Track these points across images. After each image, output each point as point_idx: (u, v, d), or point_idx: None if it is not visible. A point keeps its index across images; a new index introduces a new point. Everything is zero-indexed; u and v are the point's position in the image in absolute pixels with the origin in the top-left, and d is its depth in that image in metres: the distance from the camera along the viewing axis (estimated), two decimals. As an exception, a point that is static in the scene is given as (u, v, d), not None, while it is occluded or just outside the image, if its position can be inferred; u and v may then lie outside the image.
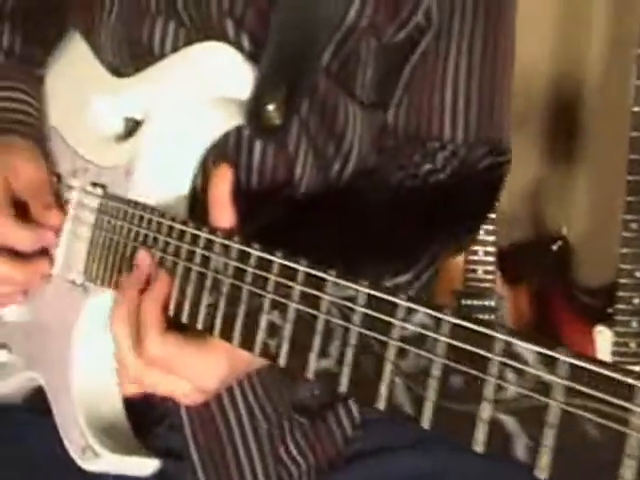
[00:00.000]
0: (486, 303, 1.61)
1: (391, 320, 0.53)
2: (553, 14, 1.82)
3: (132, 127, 0.89)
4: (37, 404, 0.91)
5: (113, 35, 0.88)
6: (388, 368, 0.52)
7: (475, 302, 1.61)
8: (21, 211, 0.88)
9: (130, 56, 0.87)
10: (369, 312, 0.54)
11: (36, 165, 0.90)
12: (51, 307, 0.88)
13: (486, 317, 1.60)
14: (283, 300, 0.60)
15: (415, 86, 0.85)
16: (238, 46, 0.77)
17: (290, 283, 0.60)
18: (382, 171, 0.88)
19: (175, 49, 0.83)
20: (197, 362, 0.67)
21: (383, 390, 0.52)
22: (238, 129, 0.82)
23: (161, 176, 0.81)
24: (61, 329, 0.85)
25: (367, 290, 0.55)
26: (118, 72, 0.90)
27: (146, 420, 0.89)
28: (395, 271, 0.80)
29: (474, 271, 1.60)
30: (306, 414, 0.87)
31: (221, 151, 0.83)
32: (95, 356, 0.83)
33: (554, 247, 1.63)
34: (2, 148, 0.89)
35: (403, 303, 0.53)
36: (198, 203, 0.83)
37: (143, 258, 0.73)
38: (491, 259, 1.58)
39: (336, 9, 0.76)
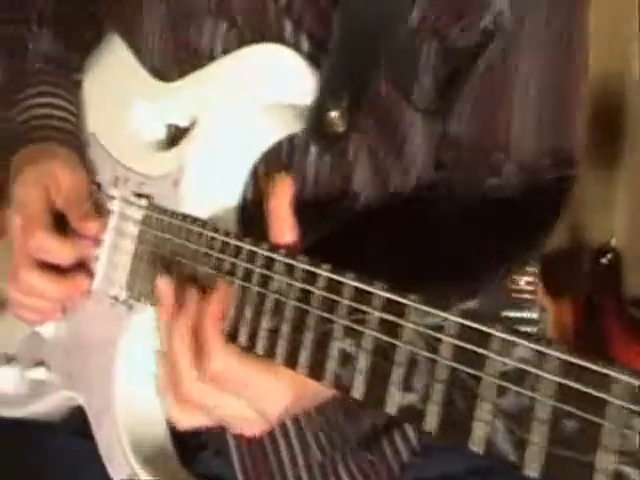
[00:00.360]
0: (527, 315, 1.55)
1: (487, 353, 0.47)
2: (597, 19, 1.76)
3: (175, 134, 0.84)
4: (76, 425, 0.86)
5: (158, 37, 0.83)
6: (485, 407, 0.47)
7: (516, 314, 1.55)
8: (60, 221, 0.83)
9: (176, 59, 0.82)
10: (460, 343, 0.49)
11: (76, 174, 0.85)
12: (92, 324, 0.84)
13: (527, 329, 1.54)
14: (357, 327, 0.55)
15: (481, 95, 0.79)
16: (296, 48, 0.72)
17: (365, 308, 0.55)
18: (444, 185, 0.83)
19: (226, 51, 0.78)
20: (262, 382, 0.62)
21: (479, 432, 0.47)
22: (291, 137, 0.77)
23: (210, 187, 0.77)
24: (103, 347, 0.81)
25: (457, 319, 0.50)
26: (162, 76, 0.85)
27: (190, 444, 0.84)
28: (463, 294, 0.75)
29: (515, 281, 1.54)
30: (361, 441, 0.82)
31: (273, 160, 0.78)
32: (140, 376, 0.78)
33: (605, 260, 1.57)
34: (41, 156, 0.85)
35: (499, 334, 0.47)
36: (248, 215, 0.78)
37: (162, 281, 0.68)
38: (533, 269, 1.53)
39: (400, 10, 0.70)
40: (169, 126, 0.85)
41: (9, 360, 0.93)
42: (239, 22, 0.76)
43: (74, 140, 0.89)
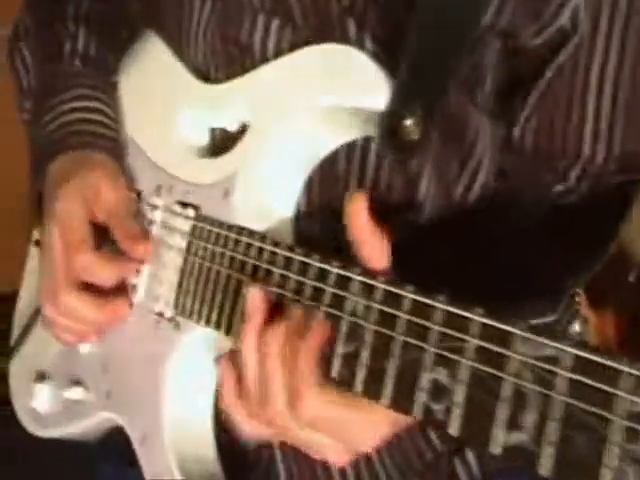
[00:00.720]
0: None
1: (614, 391, 0.43)
2: None
3: (221, 139, 0.79)
4: (114, 448, 0.82)
5: (205, 35, 0.78)
6: (613, 452, 0.42)
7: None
8: (100, 232, 0.78)
9: (224, 59, 0.77)
10: (579, 378, 0.44)
11: (116, 184, 0.80)
12: (133, 341, 0.79)
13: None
14: (452, 356, 0.50)
15: (550, 99, 0.74)
16: (360, 49, 0.67)
17: (461, 335, 0.50)
18: (508, 193, 0.78)
19: (279, 51, 0.73)
20: (355, 422, 0.57)
21: (607, 477, 0.42)
22: (349, 144, 0.72)
23: (264, 197, 0.71)
24: (148, 366, 0.76)
25: (574, 350, 0.45)
26: (207, 77, 0.80)
27: (238, 465, 0.79)
28: (540, 310, 0.70)
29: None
30: (422, 466, 0.77)
31: (328, 168, 0.73)
32: (190, 398, 0.74)
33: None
34: (81, 166, 0.80)
35: (627, 369, 0.43)
36: (301, 227, 0.73)
37: (255, 295, 0.63)
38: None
39: (477, 11, 0.65)
40: (214, 131, 0.80)
41: (42, 377, 0.89)
42: (297, 20, 0.71)
43: (114, 147, 0.84)
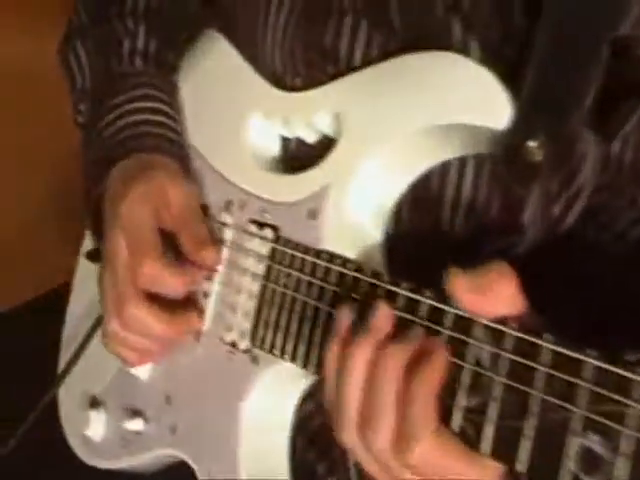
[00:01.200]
0: None
1: None
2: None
3: (295, 151, 0.72)
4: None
5: (282, 37, 0.71)
6: None
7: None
8: (168, 243, 0.72)
9: (303, 64, 0.70)
10: None
11: (187, 191, 0.73)
12: (202, 372, 0.72)
13: None
14: (608, 423, 0.44)
15: None
16: (465, 54, 0.60)
17: (621, 398, 0.44)
18: (604, 212, 0.71)
19: (367, 56, 0.66)
20: (466, 473, 0.51)
21: None
22: (444, 162, 0.65)
23: (355, 218, 0.65)
24: (221, 402, 0.69)
25: None
26: (282, 83, 0.73)
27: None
28: None
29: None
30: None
31: (420, 188, 0.66)
32: (268, 435, 0.67)
33: None
34: (145, 168, 0.73)
35: None
36: (390, 253, 0.66)
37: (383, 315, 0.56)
38: None
39: (615, 18, 0.58)
40: (285, 141, 0.74)
41: (96, 403, 0.82)
42: (393, 19, 0.64)
43: (180, 151, 0.77)
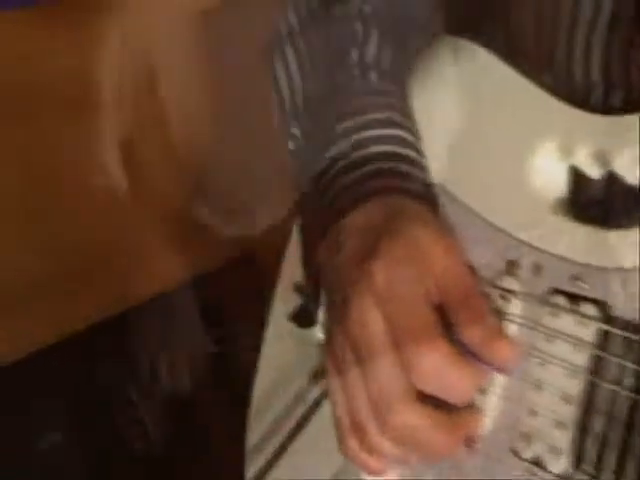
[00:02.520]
0: None
1: None
2: None
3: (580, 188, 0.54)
4: None
5: (587, 46, 0.52)
6: None
7: None
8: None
9: (621, 79, 0.52)
10: None
11: (453, 250, 0.54)
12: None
13: None
14: None
15: None
16: None
17: None
18: None
19: None
20: None
21: None
22: None
23: None
24: None
25: None
26: (585, 103, 0.54)
27: None
28: None
29: None
30: None
31: None
32: None
33: None
34: (397, 222, 0.54)
35: None
36: None
37: None
38: None
39: None
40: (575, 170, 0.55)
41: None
42: None
43: (429, 193, 0.59)
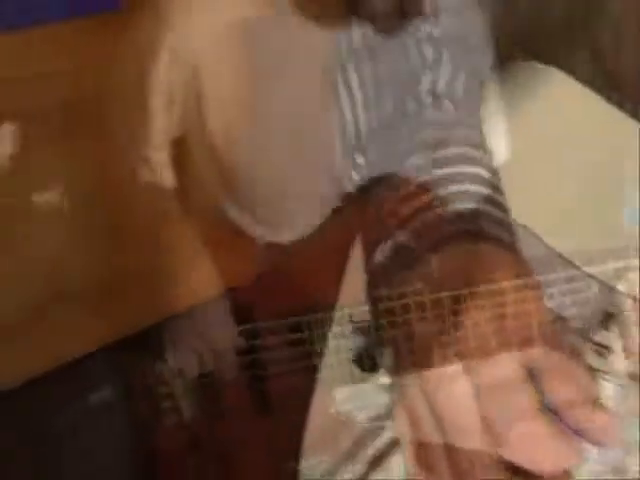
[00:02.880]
0: None
1: None
2: None
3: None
4: None
5: None
6: None
7: None
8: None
9: None
10: None
11: (541, 302, 0.49)
12: None
13: None
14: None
15: None
16: None
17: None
18: None
19: None
20: None
21: None
22: None
23: None
24: None
25: None
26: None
27: None
28: None
29: None
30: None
31: None
32: None
33: None
34: (474, 265, 0.49)
35: None
36: None
37: None
38: None
39: None
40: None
41: None
42: None
43: (510, 237, 0.54)
